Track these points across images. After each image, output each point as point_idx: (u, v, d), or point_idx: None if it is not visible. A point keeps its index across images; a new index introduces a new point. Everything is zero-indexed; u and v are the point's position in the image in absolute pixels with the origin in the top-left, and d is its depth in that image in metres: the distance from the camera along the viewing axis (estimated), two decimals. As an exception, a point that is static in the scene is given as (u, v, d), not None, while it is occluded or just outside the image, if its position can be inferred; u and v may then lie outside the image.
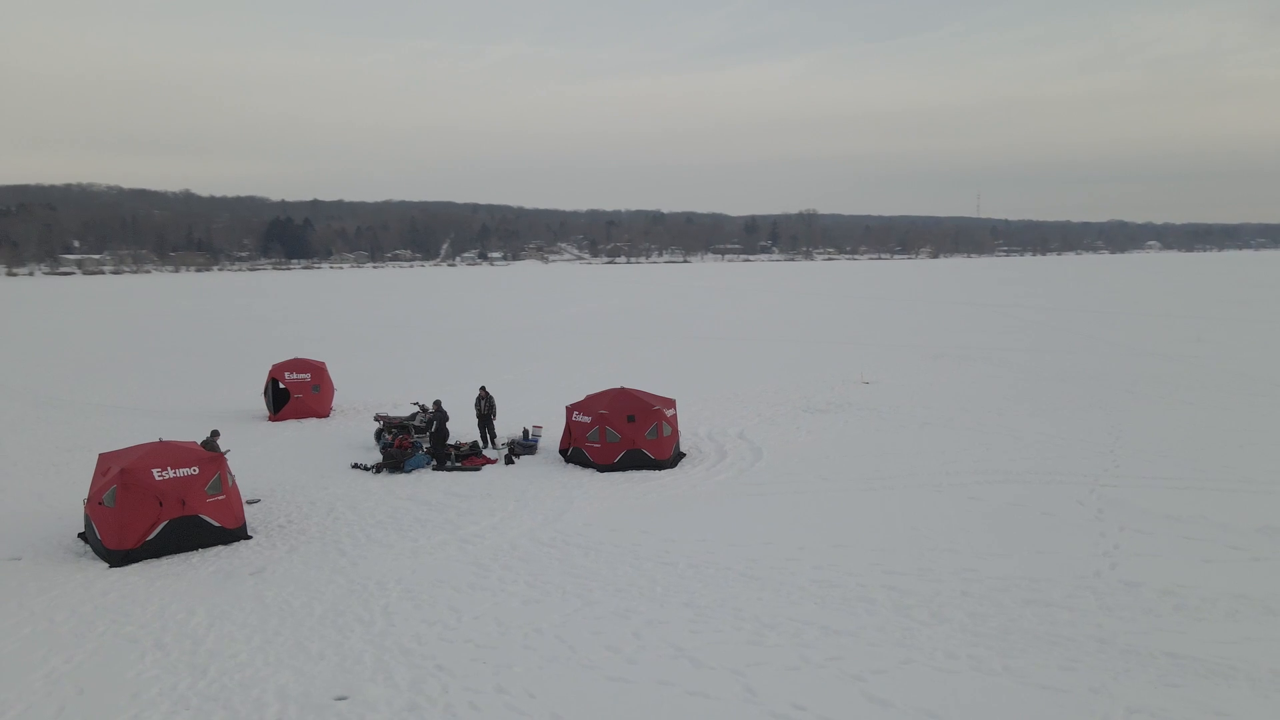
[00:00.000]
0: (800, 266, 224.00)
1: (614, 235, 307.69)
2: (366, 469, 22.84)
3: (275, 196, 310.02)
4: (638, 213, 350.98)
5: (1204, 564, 15.12)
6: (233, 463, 23.10)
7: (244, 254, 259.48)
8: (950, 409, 29.28)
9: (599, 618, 13.38)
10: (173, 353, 50.09)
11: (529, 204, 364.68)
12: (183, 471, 16.58)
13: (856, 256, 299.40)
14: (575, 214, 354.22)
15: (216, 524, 16.88)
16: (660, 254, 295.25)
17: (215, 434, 20.20)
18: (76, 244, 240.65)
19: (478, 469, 22.79)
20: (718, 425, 27.10)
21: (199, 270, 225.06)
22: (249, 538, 17.39)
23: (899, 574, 14.90)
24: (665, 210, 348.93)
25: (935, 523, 17.54)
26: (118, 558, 15.89)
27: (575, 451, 22.98)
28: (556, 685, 11.33)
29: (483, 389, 25.41)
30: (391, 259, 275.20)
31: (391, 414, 26.42)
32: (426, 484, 21.43)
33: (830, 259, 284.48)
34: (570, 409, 23.32)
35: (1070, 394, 31.88)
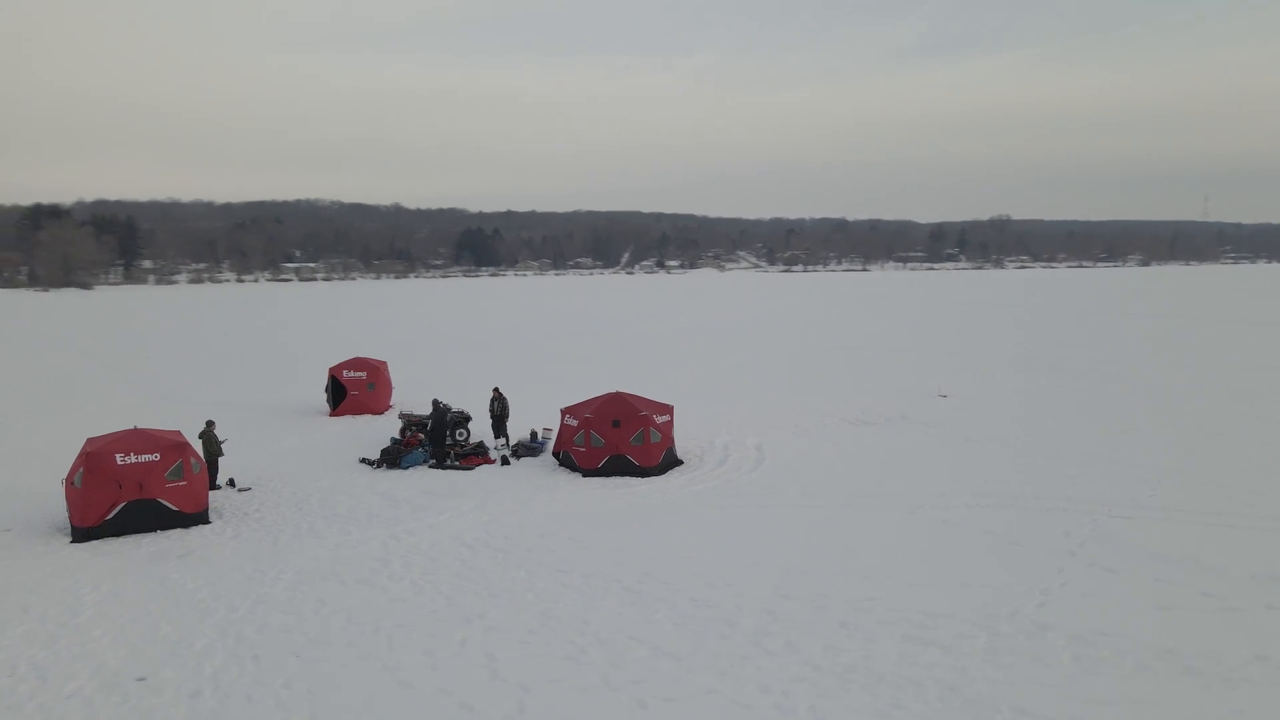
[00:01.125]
0: (984, 275, 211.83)
1: (793, 243, 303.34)
2: (370, 463, 23.63)
3: (473, 208, 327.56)
4: (821, 220, 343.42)
5: (1155, 610, 12.97)
6: (260, 453, 24.71)
7: (439, 262, 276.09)
8: (1009, 426, 26.73)
9: (442, 620, 13.17)
10: (312, 354, 53.85)
11: (712, 213, 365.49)
12: (144, 458, 17.77)
13: (1054, 265, 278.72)
14: (757, 222, 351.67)
15: (175, 508, 17.97)
16: (839, 262, 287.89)
17: (210, 424, 21.52)
18: (297, 253, 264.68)
19: (473, 468, 23.06)
20: (738, 435, 26.03)
21: (397, 277, 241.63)
22: (208, 523, 18.42)
23: (789, 598, 13.73)
24: (850, 218, 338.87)
25: (877, 546, 16.04)
26: (78, 534, 17.27)
27: (565, 455, 22.79)
28: (341, 684, 11.23)
29: (496, 390, 25.74)
30: (573, 267, 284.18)
31: (415, 413, 27.22)
32: (411, 481, 21.88)
33: (1023, 267, 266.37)
34: (564, 412, 23.16)
35: (1165, 413, 28.31)
